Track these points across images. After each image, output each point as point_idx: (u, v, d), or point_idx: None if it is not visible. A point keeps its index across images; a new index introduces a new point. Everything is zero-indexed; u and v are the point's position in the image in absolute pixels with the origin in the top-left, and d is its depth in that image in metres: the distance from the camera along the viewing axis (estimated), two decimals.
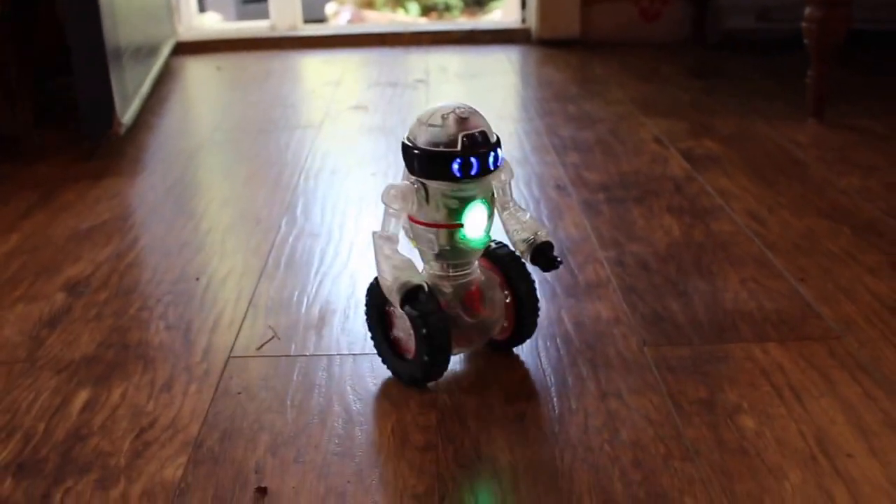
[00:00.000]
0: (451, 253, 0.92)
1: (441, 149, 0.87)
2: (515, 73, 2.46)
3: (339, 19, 4.46)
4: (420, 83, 2.33)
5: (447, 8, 4.64)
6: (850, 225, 1.33)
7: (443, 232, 0.91)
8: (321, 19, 4.22)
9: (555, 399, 0.92)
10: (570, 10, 2.74)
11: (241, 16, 4.20)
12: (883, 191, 1.46)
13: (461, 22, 3.94)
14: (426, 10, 4.65)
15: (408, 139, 0.90)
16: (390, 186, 0.90)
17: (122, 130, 1.74)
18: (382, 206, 0.91)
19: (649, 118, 1.92)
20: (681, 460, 0.83)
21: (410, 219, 0.92)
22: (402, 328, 0.94)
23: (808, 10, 1.78)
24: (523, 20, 2.90)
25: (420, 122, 0.89)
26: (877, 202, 1.41)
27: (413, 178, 0.90)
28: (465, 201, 0.90)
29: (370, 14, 4.63)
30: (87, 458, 0.84)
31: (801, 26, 1.81)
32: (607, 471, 0.81)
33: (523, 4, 2.89)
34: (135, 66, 1.97)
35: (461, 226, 0.90)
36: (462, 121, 0.87)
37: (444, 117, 0.87)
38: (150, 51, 2.25)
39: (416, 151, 0.88)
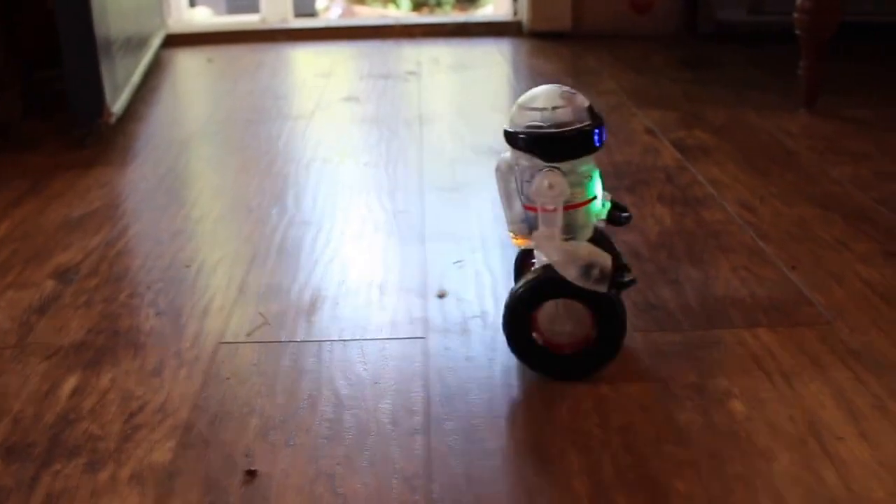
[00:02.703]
0: (584, 231, 0.92)
1: (580, 125, 0.87)
2: (507, 64, 2.46)
3: (331, 14, 4.45)
4: (412, 75, 2.32)
5: (439, 4, 4.63)
6: (841, 213, 1.33)
7: (581, 211, 0.90)
8: (312, 14, 4.21)
9: (545, 384, 0.92)
10: (561, 2, 2.73)
11: (232, 10, 4.19)
12: (874, 179, 1.46)
13: (453, 15, 3.93)
14: (417, 6, 4.64)
15: (531, 128, 0.87)
16: (545, 182, 0.87)
17: (113, 120, 1.73)
18: (543, 205, 0.88)
19: (641, 109, 1.92)
20: (671, 444, 0.82)
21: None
22: (559, 325, 0.92)
23: (799, 1, 1.79)
24: (515, 13, 2.89)
25: (536, 109, 0.87)
26: (868, 191, 1.41)
27: (545, 164, 0.88)
28: (590, 175, 0.90)
29: (361, 9, 4.61)
30: (76, 441, 0.84)
31: (793, 18, 1.81)
32: (598, 454, 0.81)
33: None
34: (125, 56, 1.96)
35: (594, 199, 0.91)
36: (573, 96, 0.88)
37: (562, 97, 0.87)
38: (140, 42, 2.25)
39: (558, 135, 0.87)
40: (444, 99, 2.08)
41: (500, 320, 1.04)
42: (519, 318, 0.92)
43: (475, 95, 2.12)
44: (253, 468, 0.80)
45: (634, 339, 1.00)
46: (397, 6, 4.63)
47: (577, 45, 2.65)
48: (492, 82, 2.25)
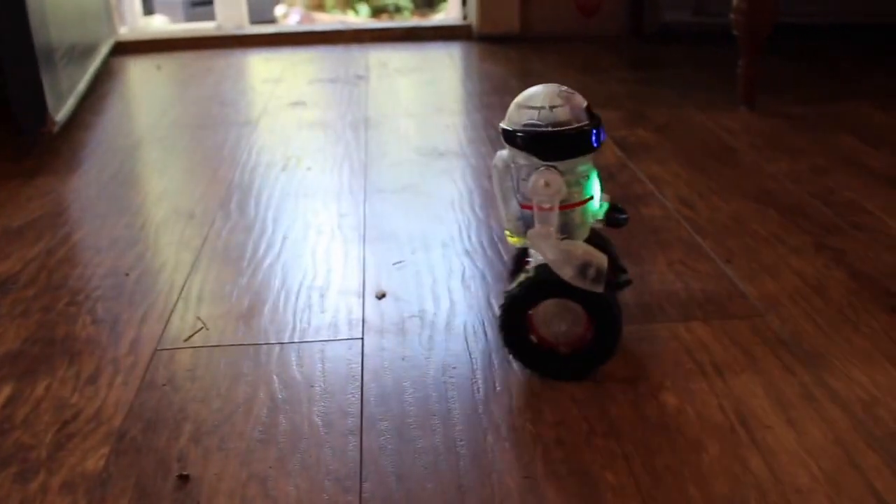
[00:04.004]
0: (580, 231, 0.92)
1: (578, 125, 0.87)
2: (455, 68, 2.47)
3: (289, 21, 4.44)
4: (359, 79, 2.33)
5: (397, 9, 4.63)
6: (776, 207, 1.35)
7: (577, 211, 0.90)
8: (271, 21, 4.20)
9: (480, 381, 0.93)
10: (509, 6, 2.75)
11: (190, 18, 4.16)
12: (810, 174, 1.49)
13: (403, 20, 3.94)
14: (376, 12, 4.64)
15: (529, 126, 0.87)
16: (542, 180, 0.87)
17: (56, 128, 1.72)
18: (539, 203, 0.89)
19: None
20: (603, 437, 0.83)
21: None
22: (555, 325, 0.92)
23: (735, 2, 1.81)
24: (464, 17, 2.90)
25: (534, 107, 0.87)
26: (803, 185, 1.43)
27: (542, 163, 0.88)
28: (588, 175, 0.90)
29: (320, 16, 4.61)
30: (6, 451, 0.84)
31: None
32: (529, 450, 0.82)
33: (464, 1, 2.90)
34: (69, 64, 1.95)
35: (591, 198, 0.91)
36: (571, 95, 0.88)
37: (560, 96, 0.87)
38: (87, 50, 2.23)
39: (555, 134, 0.86)
40: (391, 102, 2.08)
41: (438, 319, 1.05)
42: (515, 319, 0.92)
43: (422, 98, 2.13)
44: (185, 473, 0.80)
45: None
46: (356, 13, 4.62)
47: (525, 48, 2.66)
48: (439, 85, 2.26)
